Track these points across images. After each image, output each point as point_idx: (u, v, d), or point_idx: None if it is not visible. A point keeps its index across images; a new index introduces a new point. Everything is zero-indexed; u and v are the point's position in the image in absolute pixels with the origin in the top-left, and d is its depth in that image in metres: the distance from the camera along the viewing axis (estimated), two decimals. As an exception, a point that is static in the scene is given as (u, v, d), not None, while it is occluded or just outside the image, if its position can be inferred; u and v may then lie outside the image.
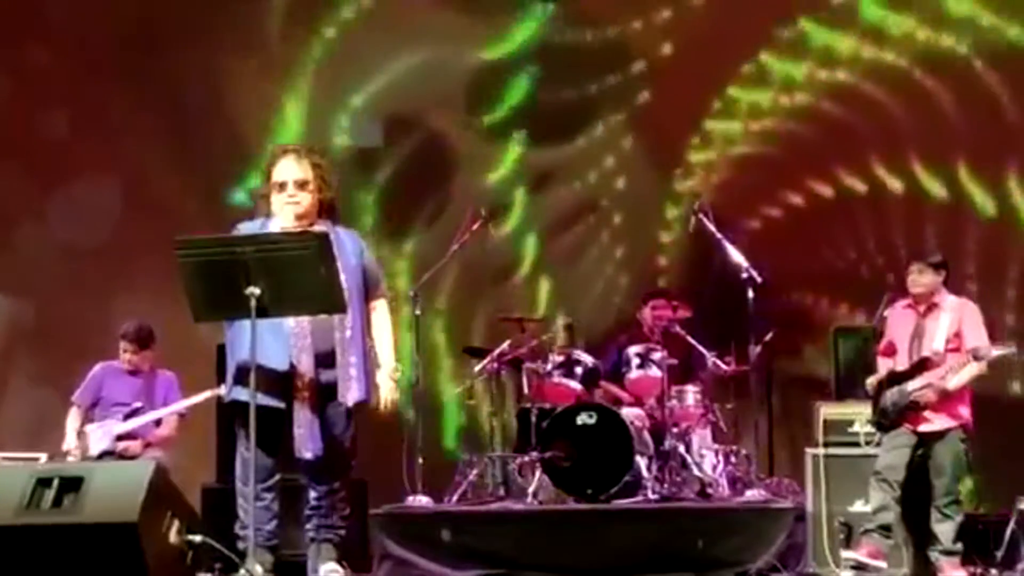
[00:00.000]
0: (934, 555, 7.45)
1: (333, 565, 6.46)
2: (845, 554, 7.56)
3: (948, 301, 7.60)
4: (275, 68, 10.66)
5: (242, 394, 6.14)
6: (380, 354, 6.52)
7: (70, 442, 8.53)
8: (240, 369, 6.24)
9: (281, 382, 6.24)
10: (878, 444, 7.65)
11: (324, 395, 6.33)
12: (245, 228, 6.44)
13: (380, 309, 6.61)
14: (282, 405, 6.25)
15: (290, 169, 6.41)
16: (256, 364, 5.95)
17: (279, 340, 6.23)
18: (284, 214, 6.35)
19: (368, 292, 6.51)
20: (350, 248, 6.42)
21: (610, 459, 8.58)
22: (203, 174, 10.40)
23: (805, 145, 10.28)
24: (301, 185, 6.40)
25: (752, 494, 8.40)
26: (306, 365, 6.28)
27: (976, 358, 7.36)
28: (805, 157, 10.30)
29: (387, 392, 6.48)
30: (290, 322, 6.25)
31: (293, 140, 9.79)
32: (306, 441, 6.26)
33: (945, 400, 7.43)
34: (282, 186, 6.39)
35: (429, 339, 9.08)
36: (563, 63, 10.53)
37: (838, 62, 10.27)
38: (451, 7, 10.58)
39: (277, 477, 6.42)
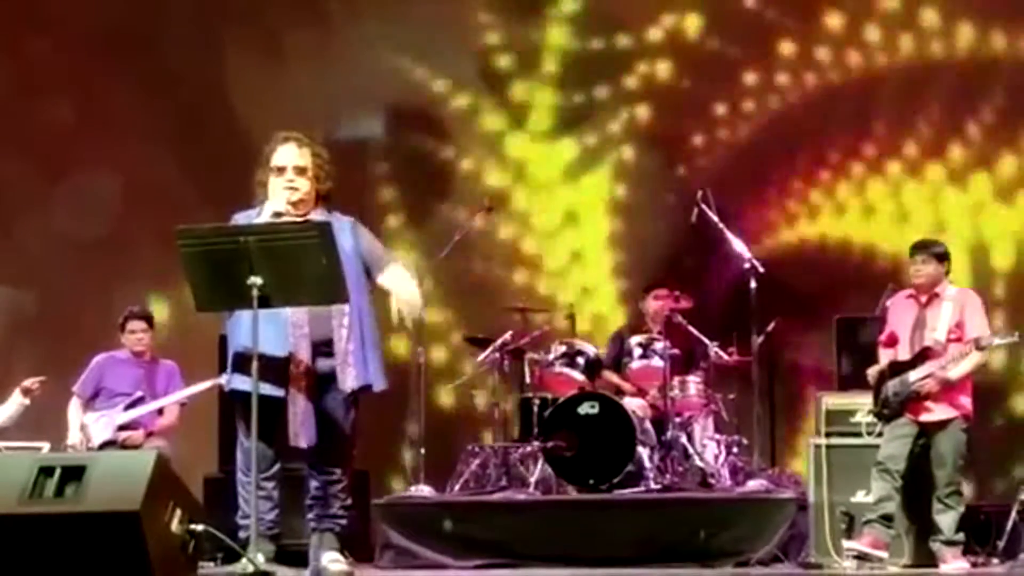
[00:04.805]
0: (935, 545, 7.46)
1: (335, 555, 6.45)
2: (847, 544, 7.56)
3: (950, 291, 7.60)
4: (277, 58, 10.63)
5: (242, 384, 6.15)
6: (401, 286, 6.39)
7: (74, 435, 8.54)
8: (238, 357, 6.24)
9: (279, 369, 6.22)
10: (880, 434, 7.65)
11: (323, 383, 6.30)
12: (241, 217, 6.43)
13: (393, 267, 6.45)
14: (281, 394, 6.23)
15: (290, 154, 6.41)
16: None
17: (277, 327, 6.21)
18: (280, 198, 6.33)
19: (372, 270, 6.42)
20: (342, 234, 6.34)
21: (612, 449, 8.59)
22: (205, 165, 10.37)
23: (809, 134, 10.25)
24: (300, 171, 6.39)
25: (754, 484, 8.41)
26: (304, 352, 6.26)
27: (978, 347, 7.38)
28: (808, 146, 10.27)
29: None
30: (288, 309, 6.24)
31: (294, 130, 9.79)
32: (300, 430, 6.24)
33: (947, 390, 7.43)
34: (281, 170, 6.39)
35: (431, 329, 9.07)
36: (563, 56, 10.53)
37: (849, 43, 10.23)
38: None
39: (278, 466, 6.40)
